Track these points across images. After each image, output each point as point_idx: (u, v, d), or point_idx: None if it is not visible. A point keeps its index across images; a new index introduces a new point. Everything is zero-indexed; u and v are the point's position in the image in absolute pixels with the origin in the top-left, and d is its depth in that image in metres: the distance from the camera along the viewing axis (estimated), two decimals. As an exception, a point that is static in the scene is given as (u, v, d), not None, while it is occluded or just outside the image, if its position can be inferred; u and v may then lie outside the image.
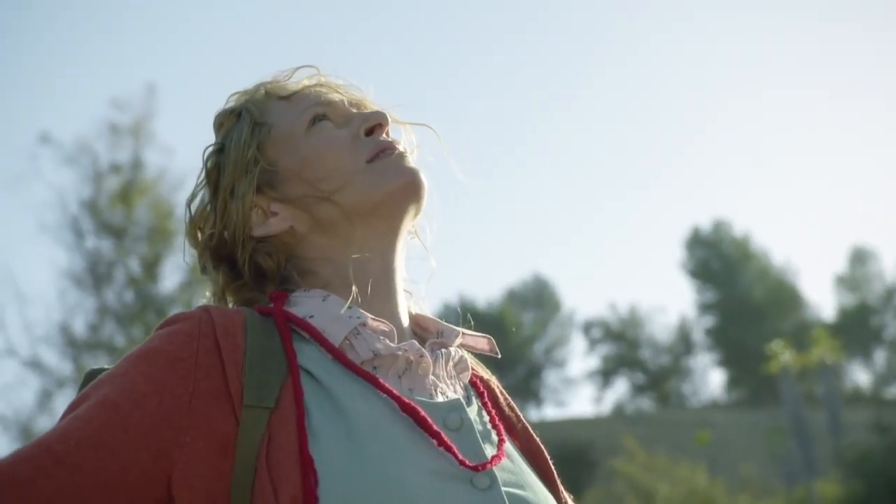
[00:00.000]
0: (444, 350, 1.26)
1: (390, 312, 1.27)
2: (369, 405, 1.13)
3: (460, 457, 1.11)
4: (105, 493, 1.07)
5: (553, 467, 1.29)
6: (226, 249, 1.31)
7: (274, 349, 1.16)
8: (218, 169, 1.32)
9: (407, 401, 1.14)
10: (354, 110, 1.34)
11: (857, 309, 53.49)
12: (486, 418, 1.24)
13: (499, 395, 1.33)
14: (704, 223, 57.32)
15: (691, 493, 18.33)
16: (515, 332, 52.76)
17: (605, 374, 56.55)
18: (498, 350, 1.34)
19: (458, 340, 1.30)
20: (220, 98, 1.39)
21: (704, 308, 55.85)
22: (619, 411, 52.86)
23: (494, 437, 1.21)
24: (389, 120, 1.33)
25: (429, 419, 1.13)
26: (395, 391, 1.15)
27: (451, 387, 1.25)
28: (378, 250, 1.28)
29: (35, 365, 18.00)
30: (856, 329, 49.63)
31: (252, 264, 1.30)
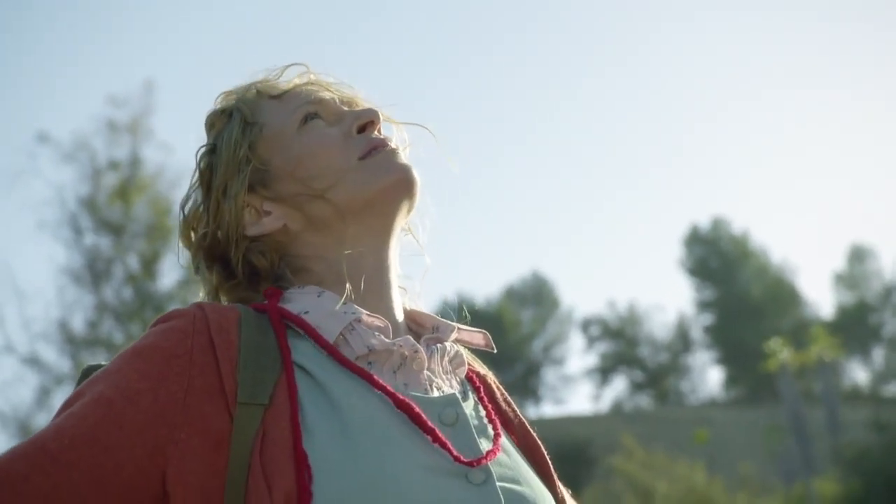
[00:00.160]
0: (439, 345, 1.26)
1: (385, 308, 1.27)
2: (364, 401, 1.13)
3: (455, 452, 1.11)
4: (100, 490, 1.07)
5: (550, 462, 1.29)
6: (219, 249, 1.31)
7: (268, 346, 1.16)
8: (210, 169, 1.32)
9: (401, 397, 1.14)
10: (346, 108, 1.34)
11: (855, 307, 53.56)
12: (483, 413, 1.24)
13: (495, 390, 1.33)
14: (703, 221, 57.49)
15: (689, 491, 18.34)
16: (513, 330, 52.78)
17: (604, 372, 56.62)
18: (493, 345, 1.34)
19: (454, 335, 1.30)
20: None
21: (703, 306, 55.92)
22: (617, 409, 52.94)
23: (490, 432, 1.21)
24: (381, 117, 1.33)
25: (423, 415, 1.13)
26: (389, 387, 1.15)
27: (447, 382, 1.25)
28: (372, 247, 1.28)
29: (33, 362, 18.03)
30: (854, 327, 49.70)
31: (245, 263, 1.30)
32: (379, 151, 1.29)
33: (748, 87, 75.40)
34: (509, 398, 1.35)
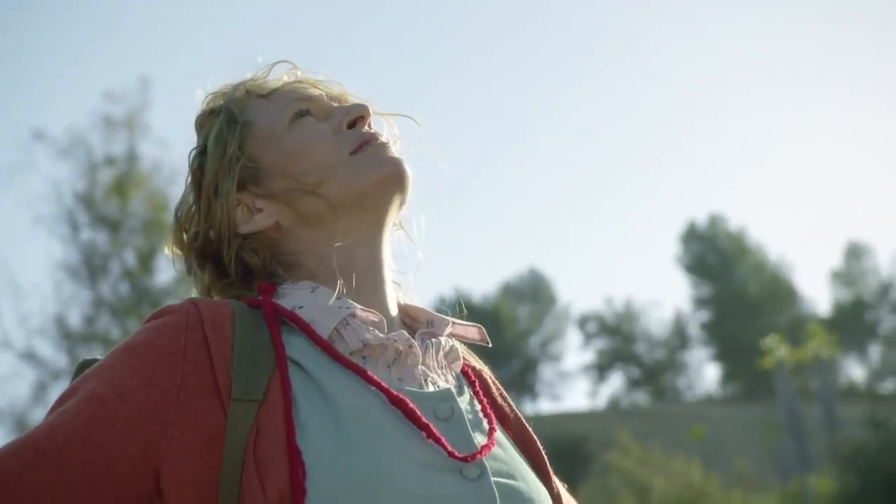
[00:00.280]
0: (433, 340, 1.26)
1: (379, 303, 1.27)
2: (358, 396, 1.13)
3: (449, 448, 1.11)
4: (93, 487, 1.07)
5: (546, 457, 1.29)
6: (211, 248, 1.31)
7: (262, 341, 1.16)
8: (201, 170, 1.32)
9: (395, 393, 1.13)
10: (335, 104, 1.34)
11: (852, 304, 53.63)
12: (478, 408, 1.24)
13: (491, 384, 1.33)
14: (700, 218, 57.49)
15: (686, 488, 18.37)
16: (510, 326, 52.82)
17: (601, 369, 56.68)
18: (488, 339, 1.34)
19: (448, 329, 1.30)
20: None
21: (699, 302, 55.97)
22: (614, 405, 52.98)
23: (485, 427, 1.21)
24: (371, 112, 1.33)
25: (417, 411, 1.13)
26: (383, 383, 1.15)
27: (443, 376, 1.25)
28: (364, 241, 1.28)
29: (30, 357, 18.04)
30: (851, 324, 49.77)
31: (238, 262, 1.30)
32: (370, 145, 1.29)
33: (745, 85, 75.52)
34: (505, 393, 1.35)
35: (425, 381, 1.22)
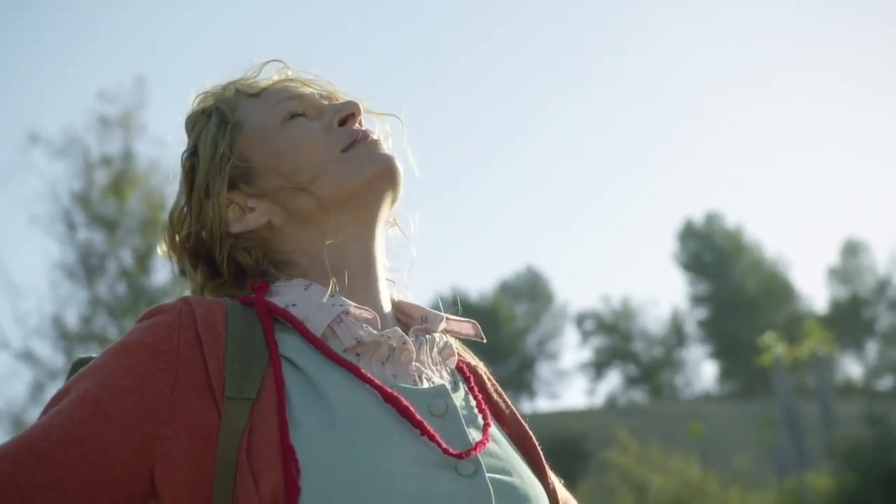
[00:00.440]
0: (428, 336, 1.26)
1: (372, 300, 1.27)
2: (352, 393, 1.13)
3: (444, 445, 1.11)
4: (88, 488, 1.06)
5: (541, 453, 1.28)
6: (203, 249, 1.31)
7: (255, 340, 1.16)
8: (193, 170, 1.32)
9: (389, 390, 1.13)
10: (326, 102, 1.34)
11: (849, 301, 53.72)
12: (473, 403, 1.23)
13: (486, 381, 1.33)
14: (697, 215, 57.59)
15: (684, 485, 18.37)
16: (508, 324, 52.84)
17: (598, 366, 56.73)
18: (483, 334, 1.34)
19: (443, 326, 1.29)
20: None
21: (697, 300, 56.03)
22: (611, 403, 53.04)
23: (480, 422, 1.20)
24: (362, 110, 1.33)
25: (411, 408, 1.12)
26: (377, 381, 1.14)
27: (437, 373, 1.25)
28: (356, 238, 1.28)
29: (27, 357, 18.04)
30: (848, 321, 49.85)
31: (231, 262, 1.30)
32: (361, 143, 1.29)
33: (741, 81, 75.58)
34: (500, 389, 1.34)
35: (420, 377, 1.21)
